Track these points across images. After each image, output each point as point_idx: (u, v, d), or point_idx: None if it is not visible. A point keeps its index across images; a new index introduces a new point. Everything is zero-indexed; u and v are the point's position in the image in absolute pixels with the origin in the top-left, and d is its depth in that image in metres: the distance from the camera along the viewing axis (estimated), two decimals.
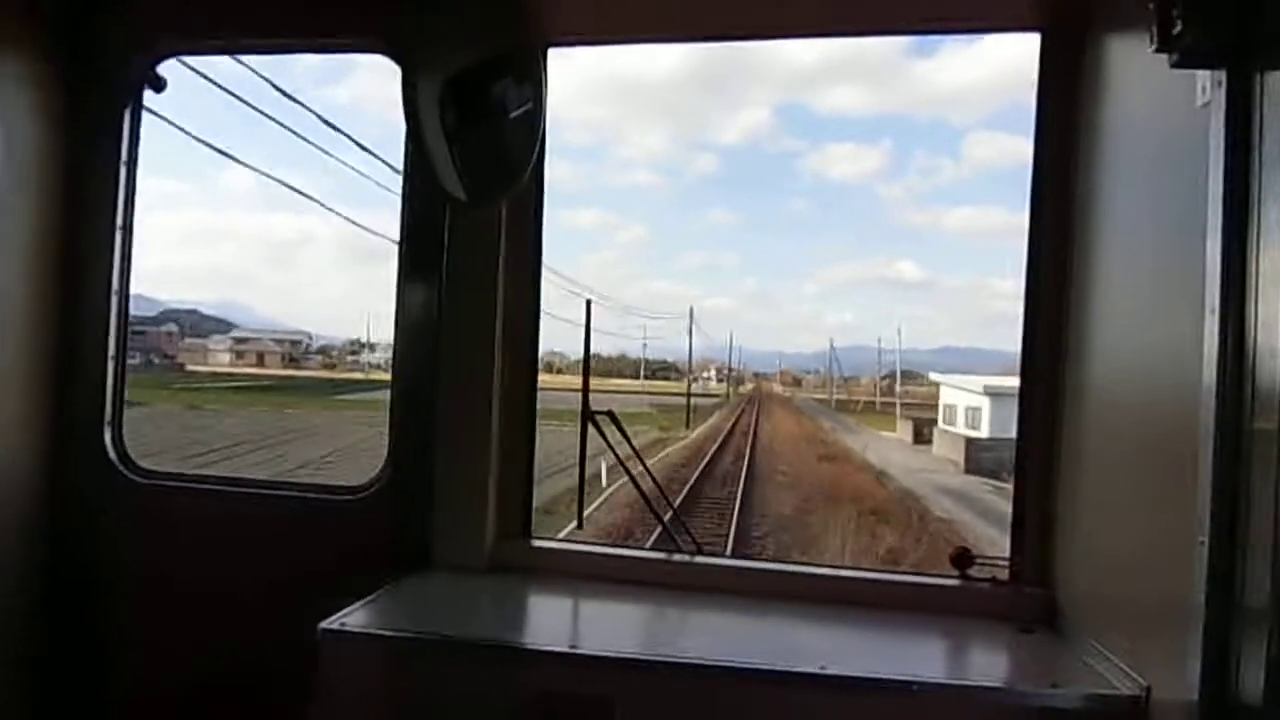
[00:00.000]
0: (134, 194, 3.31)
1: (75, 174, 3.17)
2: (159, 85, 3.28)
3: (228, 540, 3.13)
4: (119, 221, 3.25)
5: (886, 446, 25.79)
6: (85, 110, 3.18)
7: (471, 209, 2.88)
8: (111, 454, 3.25)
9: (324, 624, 2.36)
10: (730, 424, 33.52)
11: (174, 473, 3.36)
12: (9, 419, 3.02)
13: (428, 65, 2.58)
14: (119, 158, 3.24)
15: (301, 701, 2.28)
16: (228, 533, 3.14)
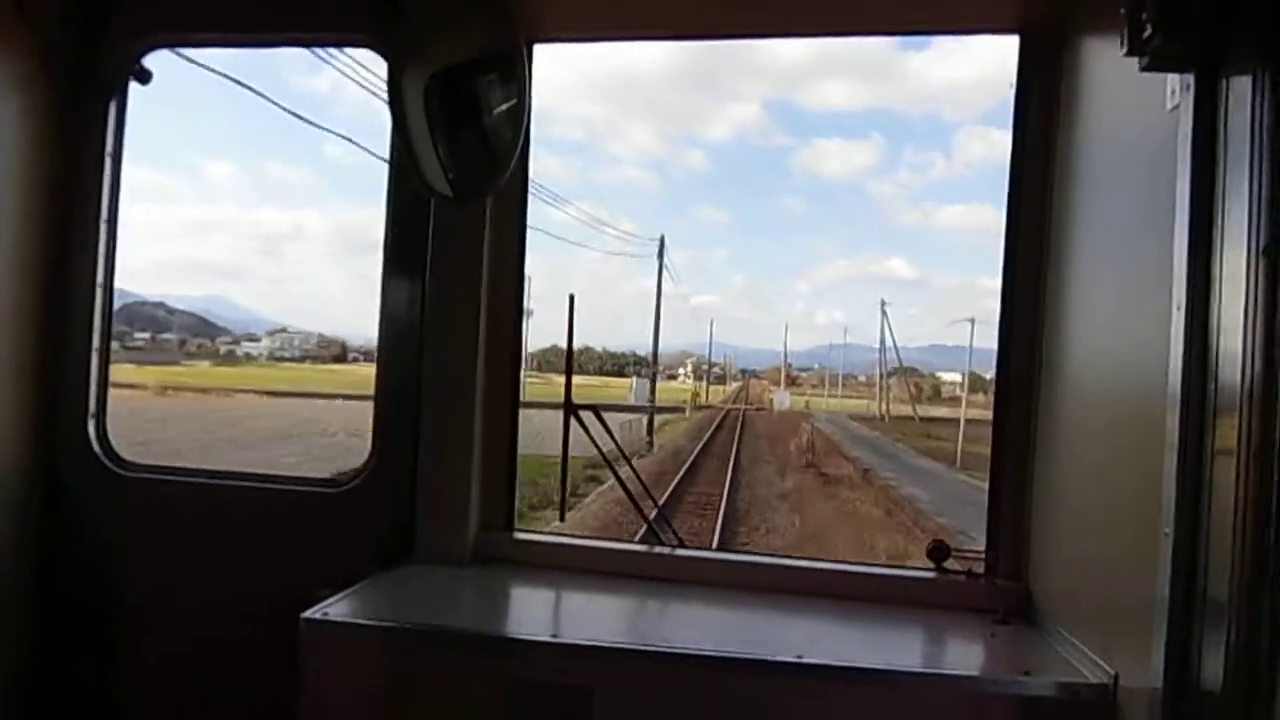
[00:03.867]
0: (119, 187, 3.31)
1: (60, 167, 3.17)
2: (144, 78, 3.28)
3: (212, 531, 3.14)
4: (104, 214, 3.26)
5: None
6: (70, 103, 3.17)
7: (456, 204, 2.90)
8: (96, 446, 3.26)
9: (307, 614, 2.38)
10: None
11: (158, 465, 3.36)
12: None
13: (414, 61, 2.60)
14: (104, 150, 3.24)
15: (287, 690, 2.31)
16: (212, 524, 3.16)
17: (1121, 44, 1.83)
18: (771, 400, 55.06)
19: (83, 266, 3.23)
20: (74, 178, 3.21)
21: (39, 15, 3.05)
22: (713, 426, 38.66)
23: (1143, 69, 1.83)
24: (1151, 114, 1.95)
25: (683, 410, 45.75)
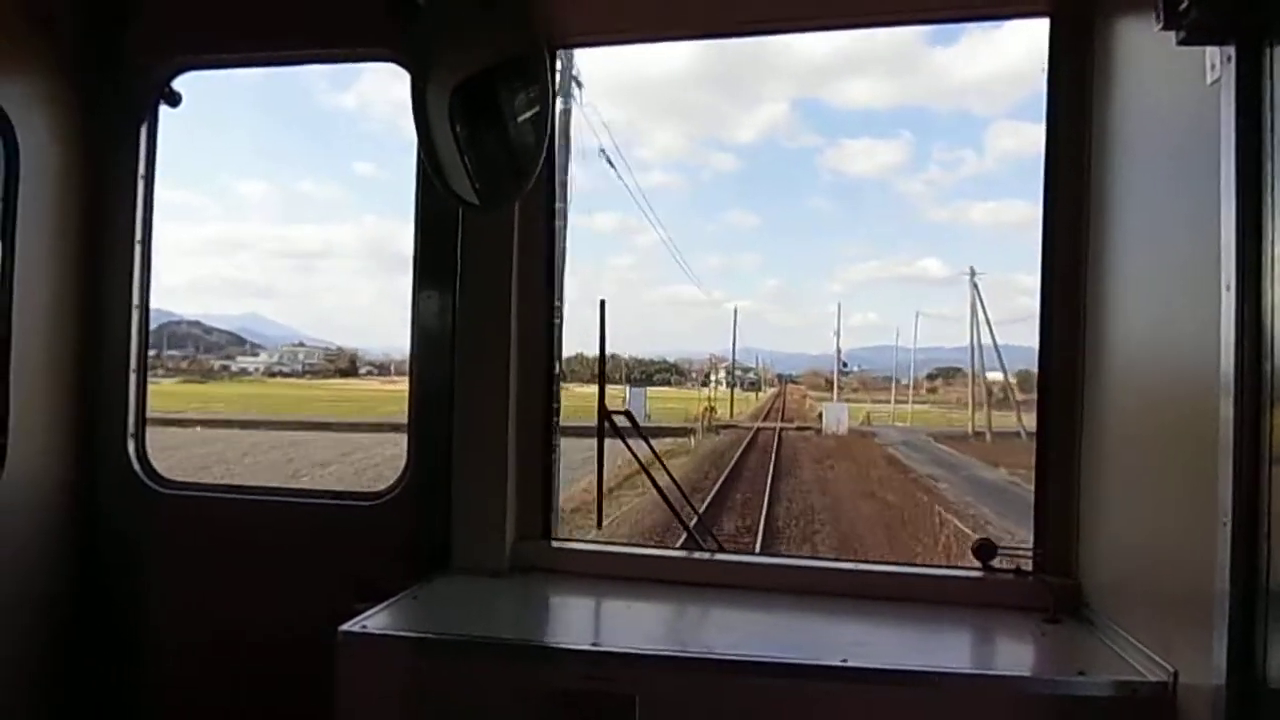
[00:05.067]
0: (152, 207, 3.36)
1: (94, 189, 3.22)
2: (174, 100, 3.33)
3: (250, 547, 3.17)
4: (138, 235, 3.31)
5: None
6: (103, 126, 3.23)
7: (483, 212, 2.90)
8: (135, 465, 3.30)
9: (344, 626, 2.38)
10: None
11: (196, 482, 3.39)
12: (34, 432, 3.05)
13: (436, 71, 2.60)
14: (136, 172, 3.29)
15: (325, 704, 2.31)
16: (250, 540, 3.18)
17: (1156, 19, 1.77)
18: (821, 414, 40.44)
19: (118, 287, 3.28)
20: (107, 200, 3.26)
21: (66, 36, 3.11)
22: (725, 472, 23.07)
23: (1180, 43, 1.77)
24: (1191, 89, 1.89)
25: (692, 432, 31.01)
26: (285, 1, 3.15)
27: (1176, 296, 2.08)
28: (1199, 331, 1.85)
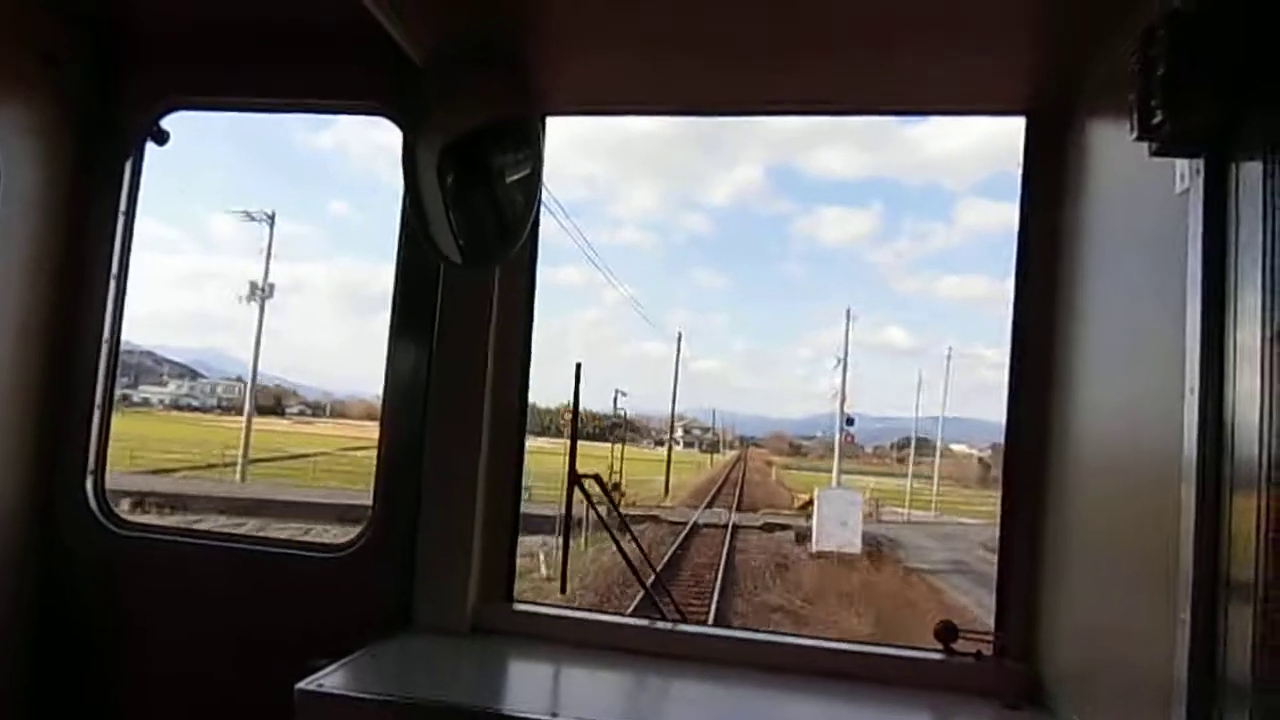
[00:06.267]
0: (130, 243, 3.34)
1: (74, 221, 3.20)
2: (161, 139, 3.34)
3: (208, 594, 3.10)
4: (114, 270, 3.28)
5: None
6: (89, 160, 3.22)
7: (466, 271, 2.92)
8: (93, 504, 3.23)
9: (301, 685, 2.32)
10: None
11: (156, 524, 3.32)
12: None
13: (428, 129, 2.63)
14: (118, 207, 3.28)
15: None
16: (208, 587, 3.11)
17: (1131, 129, 1.85)
18: (810, 503, 25.90)
19: (90, 321, 3.25)
20: (87, 232, 3.24)
21: (67, 71, 3.12)
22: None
23: (1153, 154, 1.85)
24: (1161, 197, 1.97)
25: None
26: (282, 51, 3.18)
27: (1142, 391, 2.14)
28: (1162, 426, 1.90)
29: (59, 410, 3.21)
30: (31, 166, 3.05)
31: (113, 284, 3.28)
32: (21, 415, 3.10)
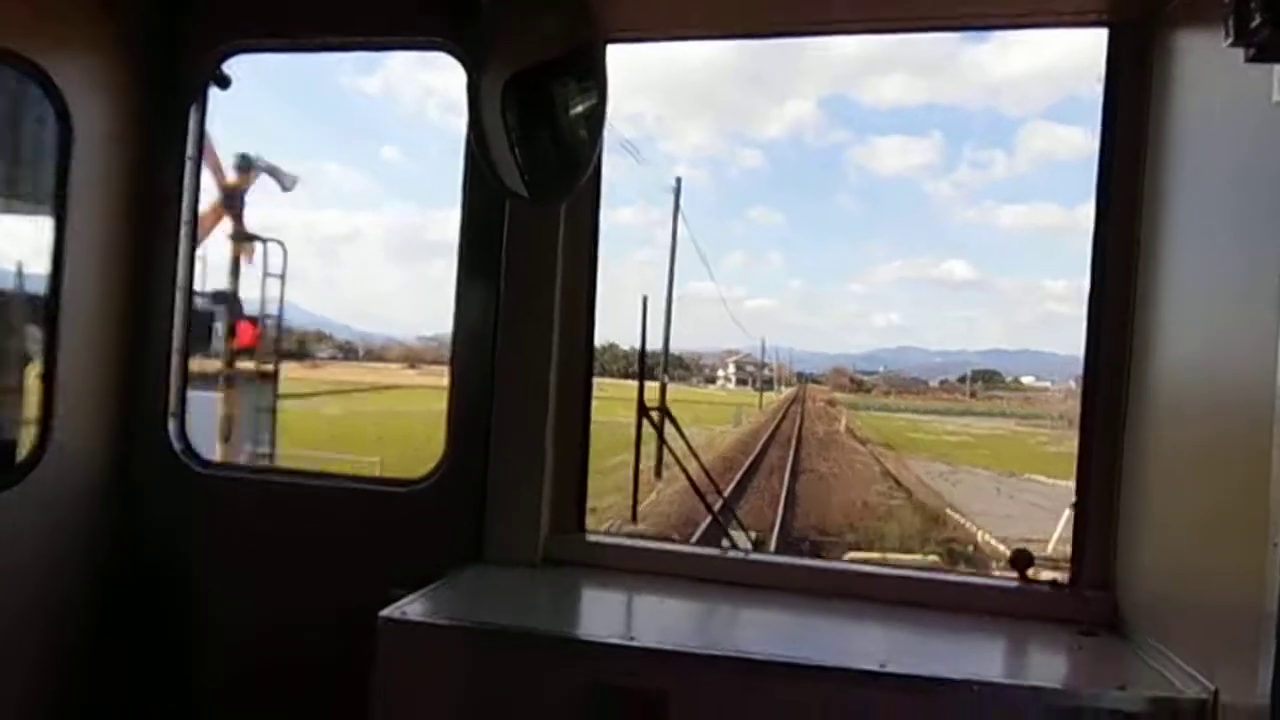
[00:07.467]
0: (199, 190, 3.40)
1: (144, 170, 3.25)
2: (224, 83, 3.36)
3: (287, 530, 3.21)
4: (184, 216, 3.34)
5: None
6: (155, 107, 3.26)
7: (533, 206, 2.91)
8: (176, 445, 3.34)
9: (384, 613, 2.40)
10: None
11: (235, 464, 3.43)
12: (77, 409, 3.09)
13: (492, 63, 2.60)
14: (185, 154, 3.32)
15: (361, 687, 2.34)
16: (288, 522, 3.21)
17: (1226, 34, 1.75)
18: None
19: (164, 269, 3.32)
20: (156, 180, 3.29)
21: (126, 17, 3.14)
22: None
23: (1248, 59, 1.75)
24: (1256, 107, 1.88)
25: None
26: None
27: (1231, 314, 2.07)
28: (1254, 351, 1.84)
29: (139, 355, 3.30)
30: (99, 116, 3.09)
31: (184, 230, 3.34)
32: (103, 361, 3.20)
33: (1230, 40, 1.75)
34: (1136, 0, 2.60)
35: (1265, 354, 1.78)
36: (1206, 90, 2.29)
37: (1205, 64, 2.26)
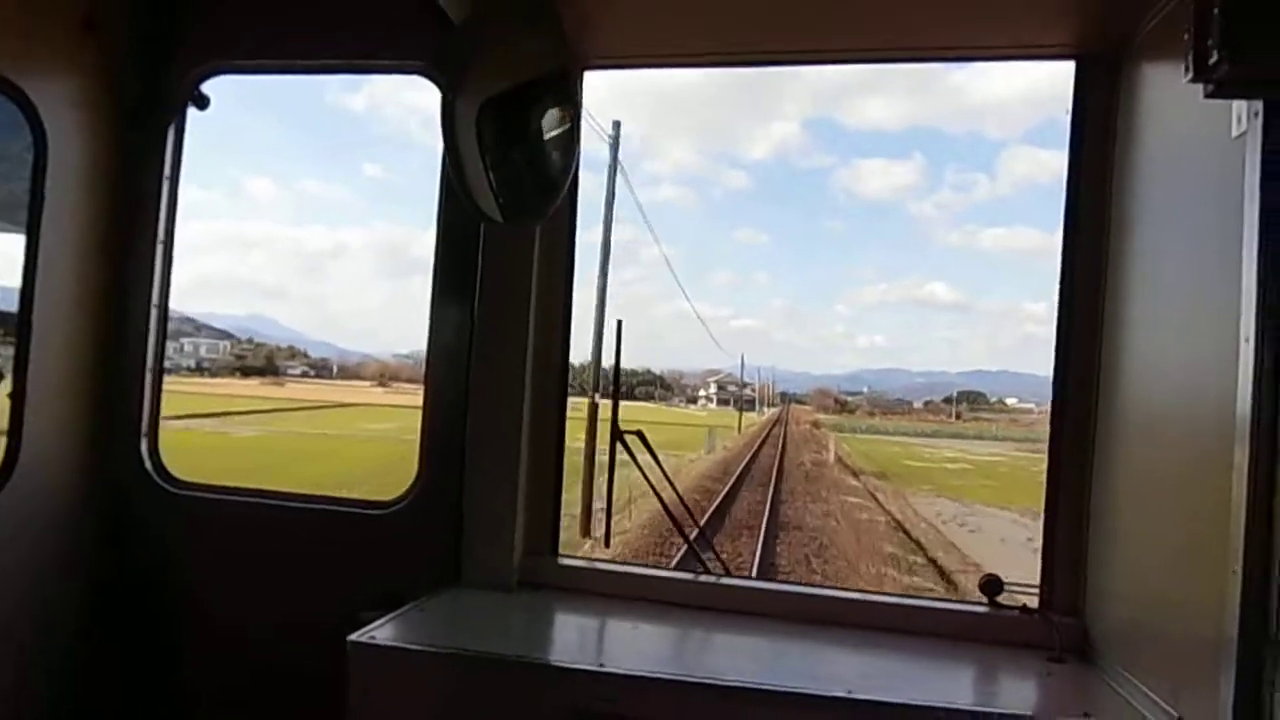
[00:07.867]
0: (175, 209, 3.38)
1: (120, 188, 3.24)
2: (203, 103, 3.36)
3: (261, 550, 3.18)
4: (160, 236, 3.33)
5: None
6: (133, 126, 3.26)
7: (506, 227, 2.92)
8: (147, 464, 3.31)
9: (353, 636, 2.39)
10: None
11: (209, 484, 3.40)
12: (50, 426, 3.07)
13: (467, 86, 2.61)
14: (162, 173, 3.32)
15: (333, 709, 2.32)
16: (260, 543, 3.19)
17: (1185, 70, 1.78)
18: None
19: (139, 286, 3.30)
20: (133, 199, 3.28)
21: (108, 37, 3.14)
22: None
23: (1208, 95, 1.78)
24: (1216, 140, 1.91)
25: None
26: (320, 11, 3.19)
27: (1195, 342, 2.09)
28: (1215, 378, 1.86)
29: (112, 375, 3.28)
30: (75, 134, 3.08)
31: (160, 249, 3.34)
32: (75, 380, 3.17)
33: (1190, 76, 1.78)
34: (1102, 35, 2.65)
35: (1226, 380, 1.80)
36: (1170, 122, 2.33)
37: (1168, 97, 2.30)
